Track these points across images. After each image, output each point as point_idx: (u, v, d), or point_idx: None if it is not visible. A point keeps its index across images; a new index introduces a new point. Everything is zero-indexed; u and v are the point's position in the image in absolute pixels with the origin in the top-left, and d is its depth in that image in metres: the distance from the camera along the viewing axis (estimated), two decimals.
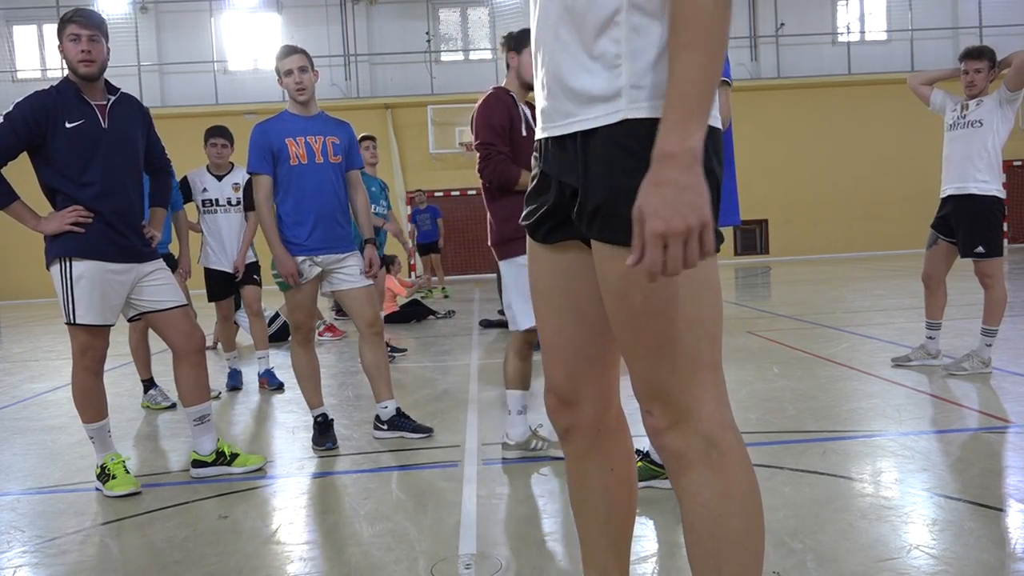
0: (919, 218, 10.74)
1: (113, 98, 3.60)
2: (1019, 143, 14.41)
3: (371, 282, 4.33)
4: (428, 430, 4.33)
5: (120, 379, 6.59)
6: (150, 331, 5.19)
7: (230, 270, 5.87)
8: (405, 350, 7.46)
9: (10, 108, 3.42)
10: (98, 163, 3.49)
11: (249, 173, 4.18)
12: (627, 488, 1.78)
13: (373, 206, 6.74)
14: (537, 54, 1.55)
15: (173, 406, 5.35)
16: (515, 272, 3.69)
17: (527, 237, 1.72)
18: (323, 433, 4.23)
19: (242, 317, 6.88)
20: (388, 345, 6.59)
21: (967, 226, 5.15)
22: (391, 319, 9.30)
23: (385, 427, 4.34)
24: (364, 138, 6.50)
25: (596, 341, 1.67)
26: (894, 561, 2.47)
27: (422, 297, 12.24)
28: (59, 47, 3.50)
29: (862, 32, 20.32)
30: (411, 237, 14.17)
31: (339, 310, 10.42)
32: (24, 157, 3.49)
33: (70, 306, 3.50)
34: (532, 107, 3.77)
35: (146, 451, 4.44)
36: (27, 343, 10.24)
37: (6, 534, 3.15)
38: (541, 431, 3.89)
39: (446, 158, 19.13)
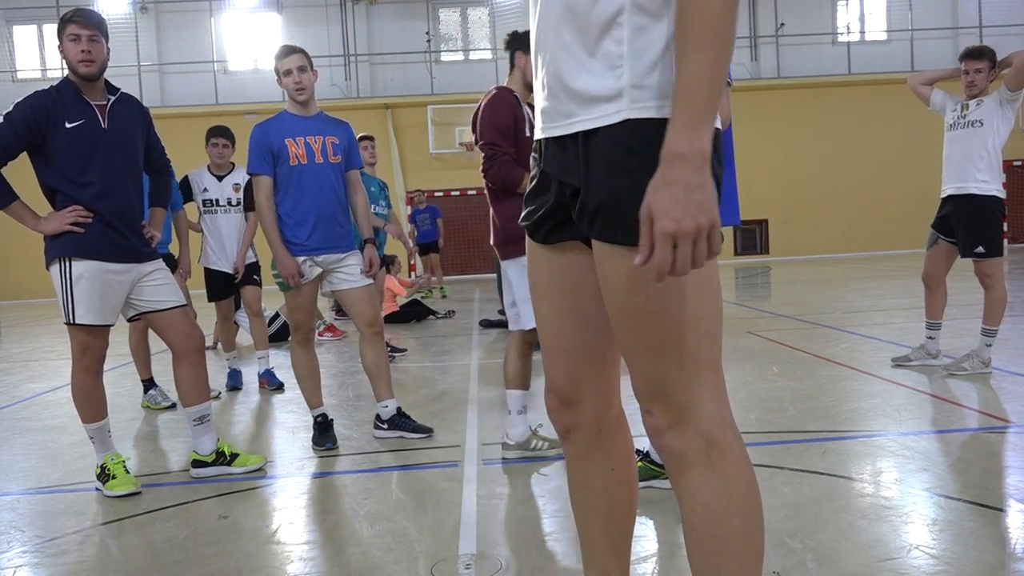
0: (919, 218, 10.74)
1: (113, 98, 3.60)
2: (1019, 143, 14.40)
3: (371, 281, 4.33)
4: (428, 430, 4.33)
5: (120, 379, 6.59)
6: (150, 331, 5.18)
7: (230, 270, 5.87)
8: (405, 350, 7.46)
9: (10, 108, 3.42)
10: (98, 163, 3.48)
11: (249, 174, 4.18)
12: (628, 488, 1.78)
13: (372, 206, 6.74)
14: (537, 54, 1.55)
15: (173, 406, 5.35)
16: (520, 272, 3.67)
17: (526, 238, 1.72)
18: (323, 433, 4.23)
19: (242, 317, 6.88)
20: (388, 345, 6.59)
21: (967, 226, 5.15)
22: (391, 319, 9.30)
23: (385, 426, 4.34)
24: (362, 138, 6.50)
25: (596, 341, 1.67)
26: (894, 561, 2.47)
27: (422, 297, 12.24)
28: (59, 47, 3.50)
29: (862, 32, 20.32)
30: (411, 237, 14.17)
31: (339, 310, 10.42)
32: (24, 157, 3.49)
33: (70, 306, 3.50)
34: (533, 107, 3.76)
35: (146, 451, 4.44)
36: (27, 343, 10.24)
37: (6, 534, 3.15)
38: (541, 431, 3.89)
39: (446, 158, 19.13)
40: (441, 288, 14.29)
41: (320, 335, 8.68)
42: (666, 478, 2.97)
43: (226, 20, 19.52)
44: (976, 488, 3.09)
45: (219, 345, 6.98)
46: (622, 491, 1.77)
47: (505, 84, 3.89)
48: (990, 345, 5.16)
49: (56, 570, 2.78)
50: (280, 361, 6.72)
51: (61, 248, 3.48)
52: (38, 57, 19.35)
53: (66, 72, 3.54)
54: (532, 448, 3.81)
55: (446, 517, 3.09)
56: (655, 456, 3.22)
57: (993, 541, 2.60)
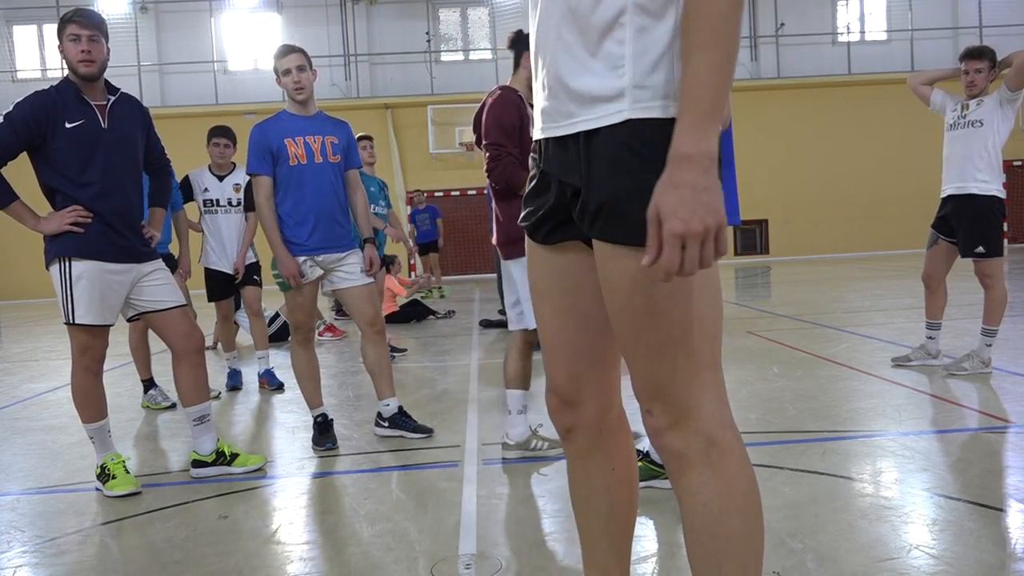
0: (919, 218, 10.74)
1: (113, 98, 3.60)
2: (1019, 143, 14.41)
3: (372, 280, 4.33)
4: (428, 430, 4.33)
5: (120, 379, 6.59)
6: (150, 331, 5.18)
7: (230, 271, 5.87)
8: (405, 350, 7.46)
9: (10, 108, 3.42)
10: (98, 163, 3.49)
11: (248, 174, 4.18)
12: (628, 488, 1.78)
13: (372, 206, 6.74)
14: (538, 55, 1.55)
15: (173, 406, 5.35)
16: (523, 271, 3.67)
17: (526, 238, 1.72)
18: (323, 433, 4.23)
19: (242, 317, 6.88)
20: (388, 345, 6.59)
21: (967, 226, 5.15)
22: (391, 319, 9.29)
23: (386, 424, 4.34)
24: (361, 138, 6.50)
25: (597, 341, 1.67)
26: (894, 561, 2.47)
27: (422, 297, 12.24)
28: (59, 47, 3.50)
29: (862, 32, 20.32)
30: (411, 237, 14.17)
31: (339, 310, 10.43)
32: (24, 157, 3.49)
33: (69, 306, 3.50)
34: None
35: (146, 451, 4.44)
36: (27, 343, 10.24)
37: (6, 534, 3.15)
38: (541, 431, 3.89)
39: (446, 158, 19.13)
40: (440, 288, 14.29)
41: (320, 335, 8.68)
42: (666, 478, 2.97)
43: (226, 20, 19.52)
44: (976, 488, 3.09)
45: (219, 345, 6.98)
46: (623, 491, 1.77)
47: (508, 84, 3.87)
48: (990, 345, 5.16)
49: (56, 570, 2.78)
50: (280, 361, 6.72)
51: (61, 248, 3.48)
52: (38, 57, 19.35)
53: (66, 72, 3.55)
54: (532, 448, 3.81)
55: (446, 517, 3.09)
56: (655, 456, 3.22)
57: (993, 541, 2.60)
